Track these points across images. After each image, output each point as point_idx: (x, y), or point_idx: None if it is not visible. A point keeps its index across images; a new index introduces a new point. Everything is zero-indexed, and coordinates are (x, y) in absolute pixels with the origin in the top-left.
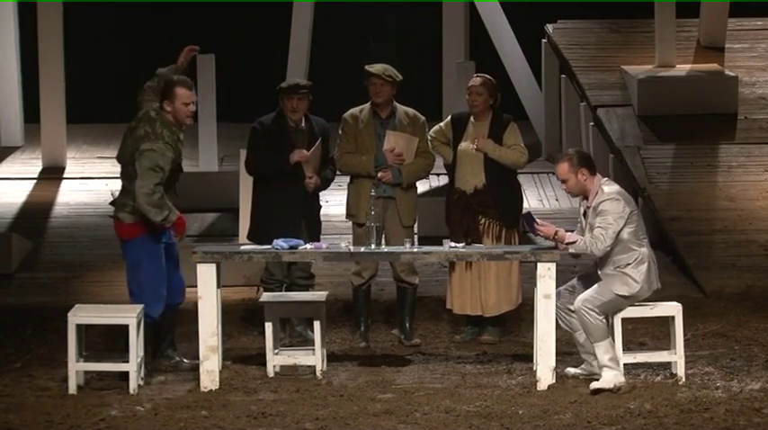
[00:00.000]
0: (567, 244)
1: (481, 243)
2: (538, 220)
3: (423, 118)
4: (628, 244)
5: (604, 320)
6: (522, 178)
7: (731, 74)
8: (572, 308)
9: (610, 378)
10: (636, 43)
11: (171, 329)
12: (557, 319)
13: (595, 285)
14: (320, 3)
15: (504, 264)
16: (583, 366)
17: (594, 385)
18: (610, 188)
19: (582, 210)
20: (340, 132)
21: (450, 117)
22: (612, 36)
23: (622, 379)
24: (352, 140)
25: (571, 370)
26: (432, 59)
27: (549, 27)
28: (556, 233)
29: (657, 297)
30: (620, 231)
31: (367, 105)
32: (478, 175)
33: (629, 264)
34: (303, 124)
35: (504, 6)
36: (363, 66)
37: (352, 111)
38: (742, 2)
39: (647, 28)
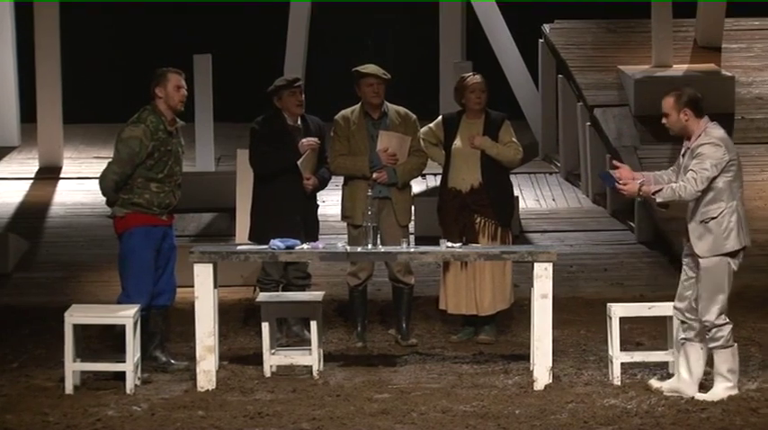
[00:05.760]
0: (653, 194)
1: (477, 242)
2: (618, 179)
3: (414, 116)
4: (720, 194)
5: (729, 324)
6: (519, 178)
7: (728, 74)
8: (693, 318)
9: (720, 391)
10: (633, 43)
11: (159, 331)
12: (675, 333)
13: (700, 287)
14: (317, 3)
15: (498, 264)
16: (672, 381)
17: (701, 396)
18: (714, 132)
19: (682, 151)
20: (332, 134)
21: (440, 117)
22: (609, 36)
23: (735, 391)
24: (345, 142)
25: (655, 383)
26: (428, 59)
27: (546, 27)
28: (639, 189)
29: (654, 297)
30: (715, 178)
31: (358, 106)
32: (475, 174)
33: (714, 218)
34: (299, 122)
35: (501, 6)
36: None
37: (343, 112)
38: (739, 2)
39: (643, 28)
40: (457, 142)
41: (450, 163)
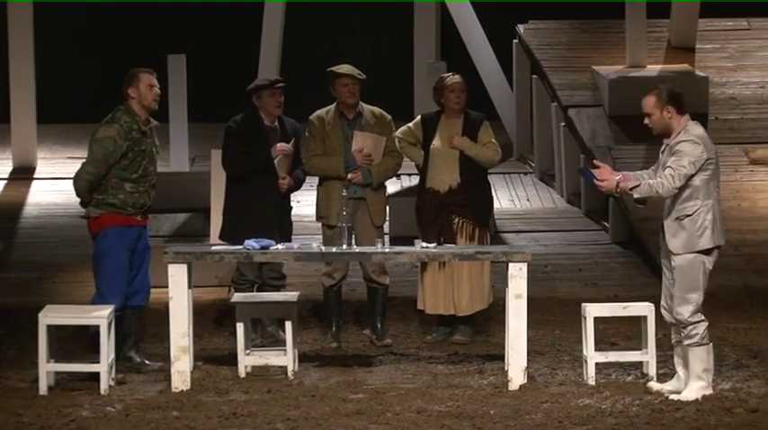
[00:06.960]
0: (631, 190)
1: (455, 242)
2: (597, 176)
3: (389, 117)
4: (696, 192)
5: (704, 322)
6: (493, 178)
7: (702, 74)
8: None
9: (694, 391)
10: (607, 44)
11: (133, 332)
12: (670, 332)
13: (675, 286)
14: (291, 3)
15: (476, 264)
16: (672, 382)
17: (675, 397)
18: (694, 129)
19: (662, 148)
20: (307, 135)
21: (419, 117)
22: (583, 36)
23: (709, 391)
24: (320, 143)
25: (655, 385)
26: (402, 59)
27: (521, 27)
28: (617, 185)
29: (628, 297)
30: (692, 176)
31: (333, 107)
32: (453, 174)
33: (689, 215)
34: (276, 123)
35: (476, 6)
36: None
37: (318, 113)
38: (712, 2)
39: (618, 28)
40: (436, 142)
41: (429, 163)
